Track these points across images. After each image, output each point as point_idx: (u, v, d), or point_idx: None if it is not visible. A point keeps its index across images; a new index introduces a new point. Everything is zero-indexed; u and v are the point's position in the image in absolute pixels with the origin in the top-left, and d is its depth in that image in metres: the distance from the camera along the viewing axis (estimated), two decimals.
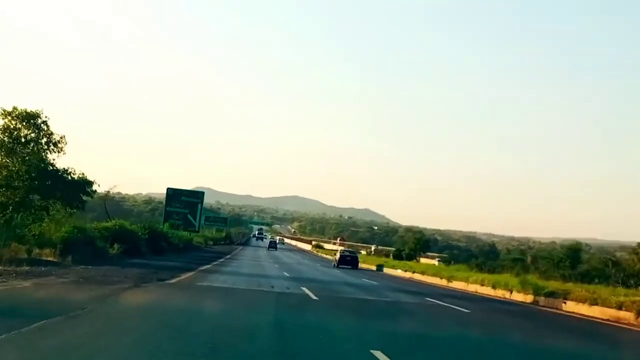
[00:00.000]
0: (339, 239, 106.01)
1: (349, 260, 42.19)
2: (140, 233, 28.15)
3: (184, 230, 48.70)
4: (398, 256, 53.80)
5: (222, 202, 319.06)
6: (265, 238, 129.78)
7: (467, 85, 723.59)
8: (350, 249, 53.64)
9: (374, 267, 45.28)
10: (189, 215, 52.89)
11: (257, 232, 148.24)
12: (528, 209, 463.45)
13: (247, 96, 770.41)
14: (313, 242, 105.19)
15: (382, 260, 48.82)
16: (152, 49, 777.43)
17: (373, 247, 78.11)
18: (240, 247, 72.88)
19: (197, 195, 54.78)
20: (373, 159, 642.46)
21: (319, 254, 76.65)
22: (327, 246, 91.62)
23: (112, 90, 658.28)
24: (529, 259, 42.60)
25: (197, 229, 54.51)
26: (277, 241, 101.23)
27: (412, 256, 51.29)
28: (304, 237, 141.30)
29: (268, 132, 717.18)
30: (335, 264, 42.06)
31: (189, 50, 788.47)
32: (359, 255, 48.34)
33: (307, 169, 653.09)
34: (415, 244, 52.19)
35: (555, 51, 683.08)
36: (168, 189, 53.46)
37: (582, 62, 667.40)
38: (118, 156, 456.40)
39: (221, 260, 33.58)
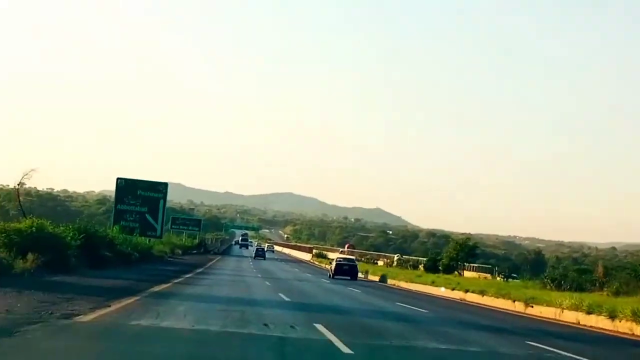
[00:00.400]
0: (347, 245, 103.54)
1: (346, 270, 45.33)
2: (69, 238, 25.34)
3: (140, 235, 45.30)
4: (432, 267, 51.26)
5: (196, 201, 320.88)
6: (251, 245, 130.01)
7: (501, 50, 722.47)
8: (348, 257, 54.81)
9: (373, 277, 50.10)
10: (147, 216, 49.18)
11: (240, 238, 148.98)
12: (579, 208, 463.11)
13: (225, 65, 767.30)
14: (314, 251, 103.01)
15: (413, 273, 47.79)
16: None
17: (396, 257, 75.87)
18: (218, 257, 72.45)
19: (157, 188, 50.67)
20: (384, 147, 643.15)
21: (322, 265, 75.93)
22: (331, 255, 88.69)
23: (44, 55, 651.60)
24: (599, 270, 38.93)
25: (159, 234, 50.98)
26: (266, 248, 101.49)
27: (452, 268, 48.12)
28: (302, 244, 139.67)
29: (252, 112, 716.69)
30: (331, 274, 45.54)
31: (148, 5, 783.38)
32: (357, 264, 51.46)
33: (302, 160, 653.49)
34: (458, 251, 48.54)
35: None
36: (118, 179, 49.48)
37: None
38: (54, 141, 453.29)
39: (188, 275, 31.37)
